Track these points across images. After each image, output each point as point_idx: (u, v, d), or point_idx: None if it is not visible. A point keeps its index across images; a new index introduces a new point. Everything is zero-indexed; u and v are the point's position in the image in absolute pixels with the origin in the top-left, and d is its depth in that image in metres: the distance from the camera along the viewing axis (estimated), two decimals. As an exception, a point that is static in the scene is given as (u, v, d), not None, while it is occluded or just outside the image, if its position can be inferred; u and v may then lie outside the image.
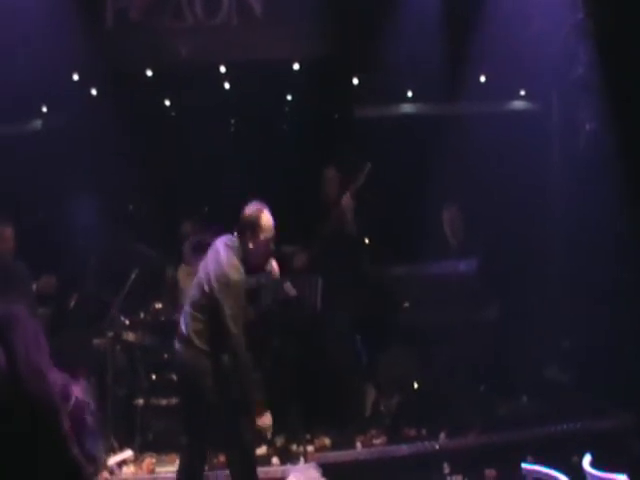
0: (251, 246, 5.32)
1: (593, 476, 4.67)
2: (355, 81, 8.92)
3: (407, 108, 9.34)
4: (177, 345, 5.43)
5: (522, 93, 9.17)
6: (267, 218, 5.36)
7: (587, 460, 4.79)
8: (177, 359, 5.48)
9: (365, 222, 7.71)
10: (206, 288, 5.26)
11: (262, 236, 5.32)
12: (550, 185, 8.45)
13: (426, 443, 6.88)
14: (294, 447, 6.82)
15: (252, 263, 5.38)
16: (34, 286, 7.17)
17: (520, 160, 8.23)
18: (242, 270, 5.26)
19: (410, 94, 9.20)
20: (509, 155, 8.24)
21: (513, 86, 9.04)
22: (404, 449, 6.85)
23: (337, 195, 7.82)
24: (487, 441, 6.89)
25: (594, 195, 7.58)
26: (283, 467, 6.53)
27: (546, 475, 4.94)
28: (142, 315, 7.22)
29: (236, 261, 5.27)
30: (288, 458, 6.67)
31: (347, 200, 7.57)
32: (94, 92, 8.71)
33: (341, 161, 8.16)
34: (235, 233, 5.41)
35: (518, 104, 9.25)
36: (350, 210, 7.58)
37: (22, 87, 7.85)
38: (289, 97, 9.27)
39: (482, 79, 8.81)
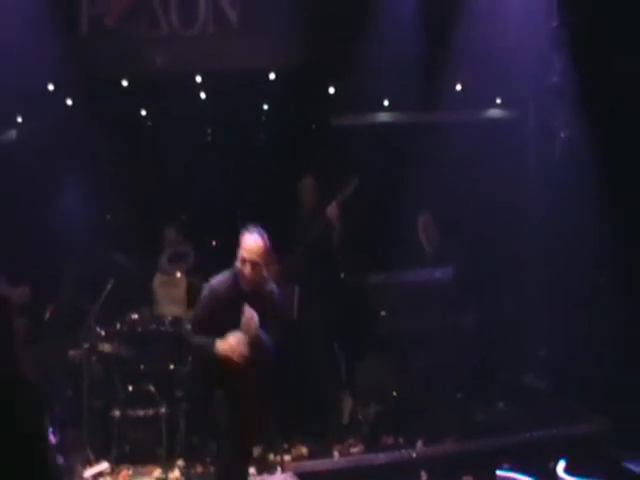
0: (238, 265, 5.63)
1: (567, 482, 4.70)
2: (331, 90, 8.92)
3: (383, 117, 9.36)
4: None
5: (498, 101, 9.21)
6: (249, 240, 5.65)
7: (561, 466, 4.81)
8: None
9: (349, 231, 7.71)
10: None
11: (241, 255, 5.61)
12: (526, 192, 8.49)
13: (403, 451, 6.89)
14: (271, 456, 6.79)
15: (243, 282, 5.63)
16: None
17: (496, 167, 8.25)
18: (223, 285, 5.67)
19: (386, 103, 9.22)
20: (485, 162, 8.26)
21: (489, 94, 9.08)
22: (381, 457, 6.85)
23: (315, 204, 7.82)
24: (464, 448, 6.90)
25: (570, 201, 7.63)
26: (260, 477, 6.50)
27: (520, 482, 4.96)
28: (118, 326, 7.16)
29: (223, 277, 5.71)
30: (265, 468, 6.64)
31: (333, 210, 7.56)
32: (69, 102, 8.67)
33: (319, 170, 8.18)
34: None
35: (494, 112, 9.29)
36: (336, 219, 7.58)
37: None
38: (265, 106, 9.26)
39: (458, 87, 8.85)
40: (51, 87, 8.42)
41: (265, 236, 5.68)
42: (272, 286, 5.83)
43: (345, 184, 7.55)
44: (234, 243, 7.75)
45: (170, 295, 7.88)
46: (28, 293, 7.31)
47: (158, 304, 7.90)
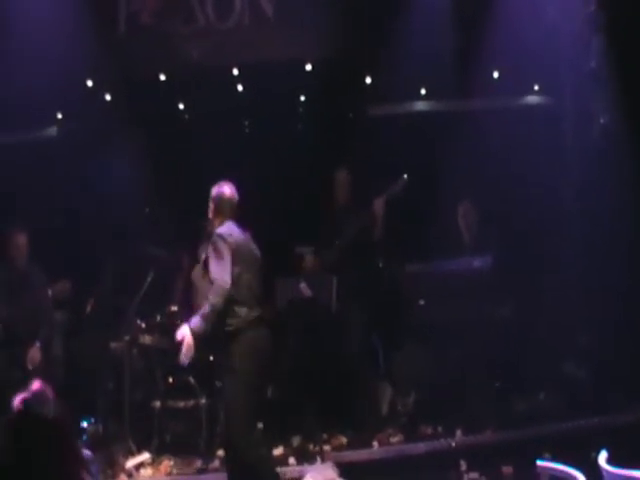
0: None
1: (609, 472, 4.64)
2: (368, 80, 8.91)
3: (420, 105, 9.32)
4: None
5: (536, 88, 9.12)
6: None
7: (603, 456, 4.75)
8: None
9: (390, 224, 7.71)
10: None
11: None
12: (564, 179, 8.40)
13: (442, 441, 6.88)
14: (311, 447, 6.84)
15: None
16: (50, 291, 7.24)
17: (534, 155, 8.19)
18: None
19: (423, 91, 9.18)
20: (523, 150, 8.21)
21: (526, 81, 8.98)
22: (421, 447, 6.85)
23: (348, 198, 7.82)
24: (503, 438, 6.87)
25: (609, 189, 7.54)
26: (300, 467, 6.54)
27: (561, 472, 4.91)
28: (158, 318, 7.26)
29: None
30: (305, 458, 6.69)
31: (380, 206, 7.56)
32: (108, 97, 8.77)
33: (357, 161, 8.19)
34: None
35: (532, 99, 9.19)
36: (381, 216, 7.59)
37: (37, 94, 7.91)
38: (302, 98, 9.26)
39: (495, 75, 8.78)
40: (90, 83, 8.51)
41: (217, 186, 5.96)
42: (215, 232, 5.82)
43: (394, 182, 7.55)
44: (269, 233, 7.89)
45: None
46: (69, 287, 7.42)
47: (198, 295, 7.96)
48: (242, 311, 5.60)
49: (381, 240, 7.71)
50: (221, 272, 5.55)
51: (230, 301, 5.55)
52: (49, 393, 4.62)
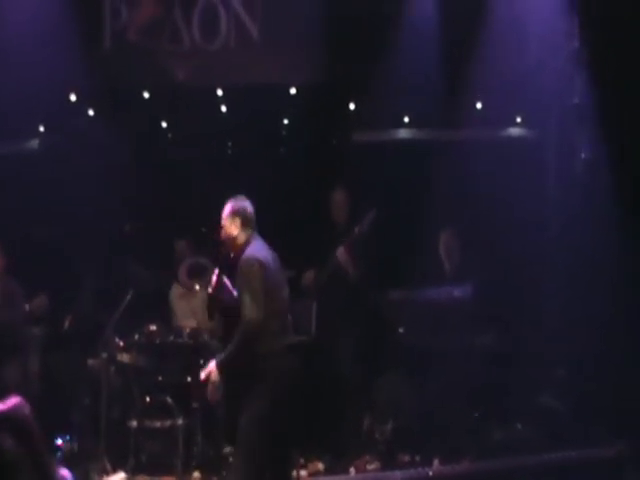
0: None
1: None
2: (352, 106, 8.94)
3: (404, 133, 9.36)
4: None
5: (518, 120, 9.20)
6: None
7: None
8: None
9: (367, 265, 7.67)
10: None
11: None
12: (546, 212, 8.46)
13: (420, 469, 6.85)
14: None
15: None
16: (27, 306, 7.13)
17: (516, 186, 8.24)
18: None
19: (407, 119, 9.23)
20: (505, 181, 8.25)
21: (509, 113, 9.07)
22: (397, 475, 6.81)
23: (347, 218, 7.79)
24: (481, 468, 6.85)
25: (590, 222, 7.59)
26: (276, 492, 6.46)
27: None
28: (136, 337, 7.17)
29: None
30: (281, 483, 6.61)
31: (342, 256, 7.52)
32: (91, 112, 8.71)
33: (341, 185, 8.19)
34: None
35: (514, 131, 9.28)
36: (348, 263, 7.54)
37: (19, 106, 7.85)
38: (286, 121, 9.27)
39: (479, 105, 8.85)
40: (73, 97, 8.46)
41: (237, 200, 5.58)
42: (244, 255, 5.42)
43: (361, 219, 7.49)
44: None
45: (189, 307, 7.87)
46: (46, 303, 7.31)
47: (176, 315, 7.90)
48: (270, 339, 5.28)
49: (356, 282, 7.63)
50: (251, 305, 5.18)
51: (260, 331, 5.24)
52: (26, 409, 4.51)
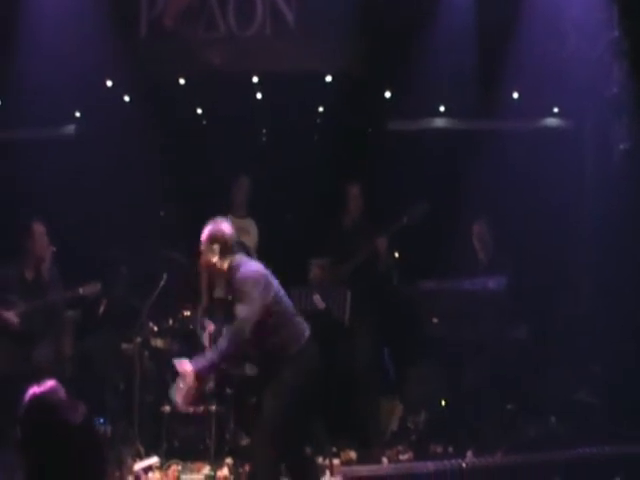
0: None
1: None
2: (388, 95, 8.88)
3: (439, 123, 9.30)
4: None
5: (555, 110, 9.11)
6: None
7: (616, 485, 4.70)
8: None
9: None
10: None
11: None
12: (582, 203, 8.38)
13: (452, 461, 6.80)
14: (320, 460, 6.76)
15: None
16: (80, 290, 7.15)
17: (552, 177, 8.17)
18: None
19: (442, 109, 9.17)
20: (541, 172, 8.18)
21: (546, 103, 8.98)
22: (430, 466, 6.76)
23: (360, 211, 7.78)
24: (514, 461, 6.79)
25: (627, 215, 7.51)
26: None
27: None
28: (170, 322, 7.20)
29: None
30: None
31: (382, 245, 7.51)
32: (127, 99, 8.73)
33: (372, 176, 8.16)
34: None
35: (551, 121, 9.19)
36: (384, 252, 7.54)
37: (55, 92, 7.88)
38: (321, 109, 9.23)
39: (515, 95, 8.76)
40: (109, 83, 8.48)
41: (215, 225, 5.41)
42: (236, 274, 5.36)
43: (413, 207, 7.49)
44: (281, 242, 7.83)
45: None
46: (99, 289, 7.29)
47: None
48: (287, 331, 5.36)
49: (385, 271, 7.62)
50: (244, 307, 5.18)
51: (273, 324, 5.29)
52: (61, 392, 4.53)
